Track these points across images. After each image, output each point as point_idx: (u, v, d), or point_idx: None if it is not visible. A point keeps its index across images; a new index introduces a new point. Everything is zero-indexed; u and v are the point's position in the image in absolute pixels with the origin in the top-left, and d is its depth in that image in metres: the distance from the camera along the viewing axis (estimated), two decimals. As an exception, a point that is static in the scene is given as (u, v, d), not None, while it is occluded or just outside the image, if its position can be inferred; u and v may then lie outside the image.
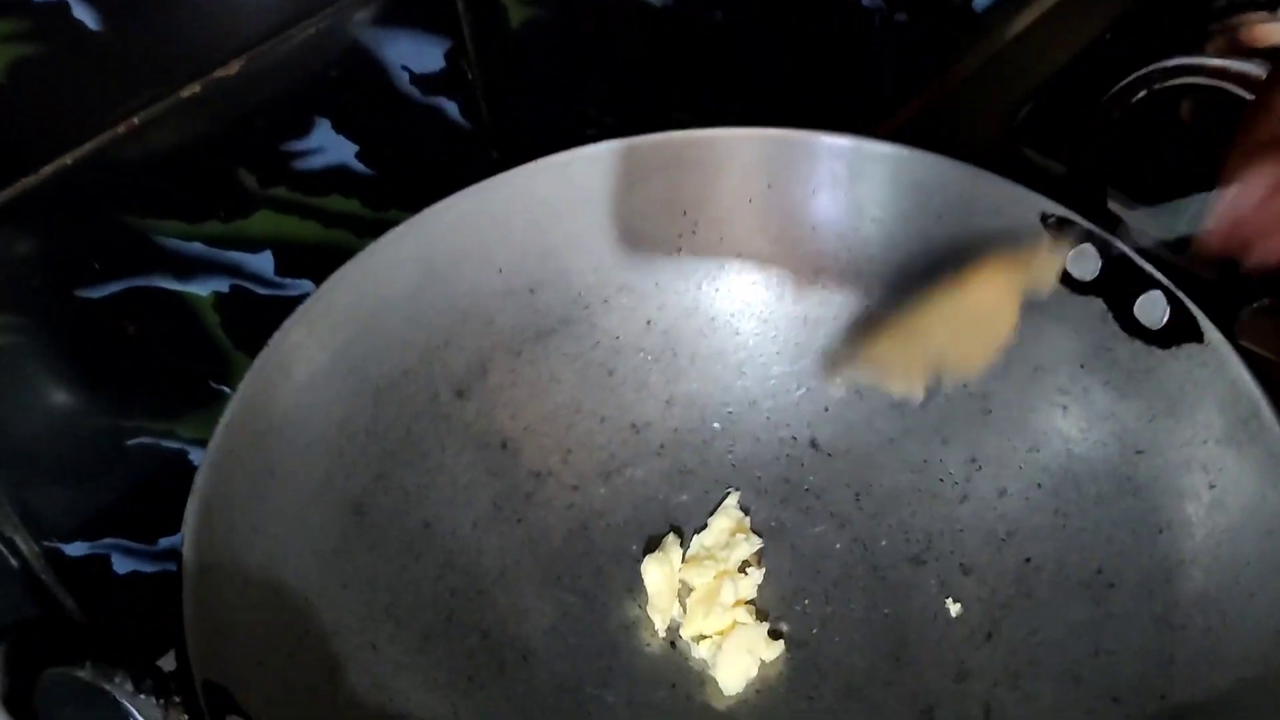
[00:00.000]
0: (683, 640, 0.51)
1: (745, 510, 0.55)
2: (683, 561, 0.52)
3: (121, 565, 0.56)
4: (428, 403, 0.53)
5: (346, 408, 0.50)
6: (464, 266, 0.54)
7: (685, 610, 0.51)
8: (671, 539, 0.53)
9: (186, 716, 0.38)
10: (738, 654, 0.48)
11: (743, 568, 0.52)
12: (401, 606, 0.49)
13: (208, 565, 0.41)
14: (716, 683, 0.49)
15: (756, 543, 0.52)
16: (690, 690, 0.49)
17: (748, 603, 0.51)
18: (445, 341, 0.53)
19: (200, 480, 0.43)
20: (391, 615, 0.48)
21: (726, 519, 0.54)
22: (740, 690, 0.49)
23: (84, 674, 0.37)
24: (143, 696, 0.38)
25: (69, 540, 0.53)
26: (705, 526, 0.54)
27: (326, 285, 0.50)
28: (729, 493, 0.54)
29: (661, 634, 0.51)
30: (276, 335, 0.48)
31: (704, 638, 0.50)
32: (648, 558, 0.52)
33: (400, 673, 0.47)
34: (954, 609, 0.50)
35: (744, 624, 0.49)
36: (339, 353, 0.50)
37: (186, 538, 0.42)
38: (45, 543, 0.52)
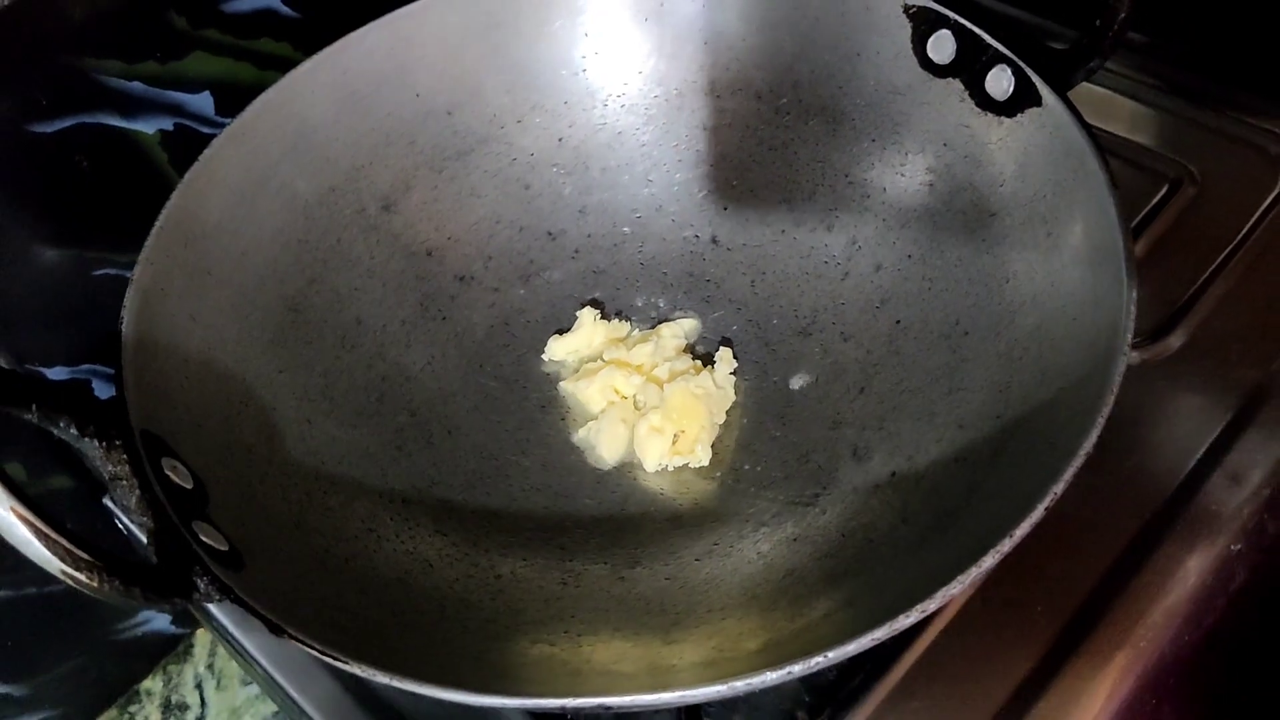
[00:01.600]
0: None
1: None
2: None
3: (102, 391, 0.62)
4: (356, 215, 0.58)
5: (279, 220, 0.56)
6: (383, 91, 0.59)
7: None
8: (587, 312, 0.58)
9: (125, 457, 0.44)
10: (612, 427, 0.54)
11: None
12: (336, 389, 0.55)
13: (147, 343, 0.47)
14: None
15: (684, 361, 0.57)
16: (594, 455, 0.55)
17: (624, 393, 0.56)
18: (370, 161, 0.59)
19: (138, 273, 0.49)
20: (327, 396, 0.54)
21: (676, 339, 0.58)
22: (619, 458, 0.54)
23: (31, 417, 0.43)
24: (86, 439, 0.44)
25: (50, 365, 0.60)
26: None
27: (250, 109, 0.55)
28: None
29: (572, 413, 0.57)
30: (206, 153, 0.54)
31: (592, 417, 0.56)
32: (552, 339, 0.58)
33: (334, 444, 0.53)
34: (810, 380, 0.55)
35: (615, 403, 0.55)
36: (267, 171, 0.56)
37: (127, 318, 0.47)
38: (27, 365, 0.58)
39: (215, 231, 0.53)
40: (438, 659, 0.43)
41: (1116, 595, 0.50)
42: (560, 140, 0.62)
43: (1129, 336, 0.43)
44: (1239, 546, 0.52)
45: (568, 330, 0.58)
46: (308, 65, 0.57)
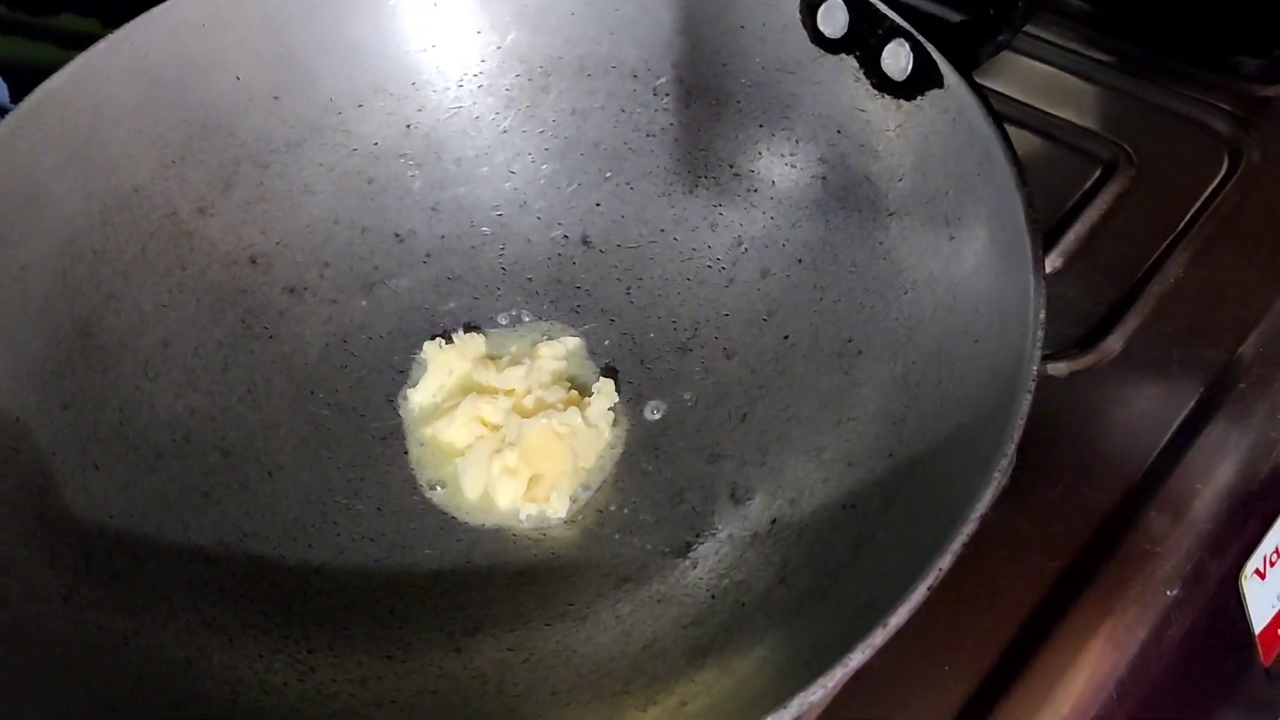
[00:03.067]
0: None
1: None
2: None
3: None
4: (165, 220, 0.50)
5: (70, 228, 0.48)
6: (194, 75, 0.51)
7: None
8: (431, 347, 0.51)
9: None
10: (479, 463, 0.46)
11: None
12: (133, 426, 0.47)
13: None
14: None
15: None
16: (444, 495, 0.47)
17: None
18: (181, 156, 0.51)
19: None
20: (120, 435, 0.46)
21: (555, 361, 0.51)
22: (479, 496, 0.46)
23: None
24: None
25: None
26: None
27: (30, 100, 0.47)
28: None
29: (421, 443, 0.49)
30: (-27, 154, 0.45)
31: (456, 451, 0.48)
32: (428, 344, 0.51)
33: (125, 492, 0.45)
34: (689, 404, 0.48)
35: (484, 437, 0.47)
36: (55, 171, 0.48)
37: None
38: None
39: (-16, 247, 0.45)
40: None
41: (1033, 649, 0.43)
42: (408, 127, 0.53)
43: (1034, 367, 0.36)
44: (1175, 592, 0.45)
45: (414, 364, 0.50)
46: (102, 46, 0.48)
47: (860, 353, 0.45)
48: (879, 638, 0.31)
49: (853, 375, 0.44)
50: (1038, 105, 0.61)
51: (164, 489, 0.46)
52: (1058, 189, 0.58)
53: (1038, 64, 0.62)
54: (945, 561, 0.32)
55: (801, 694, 0.30)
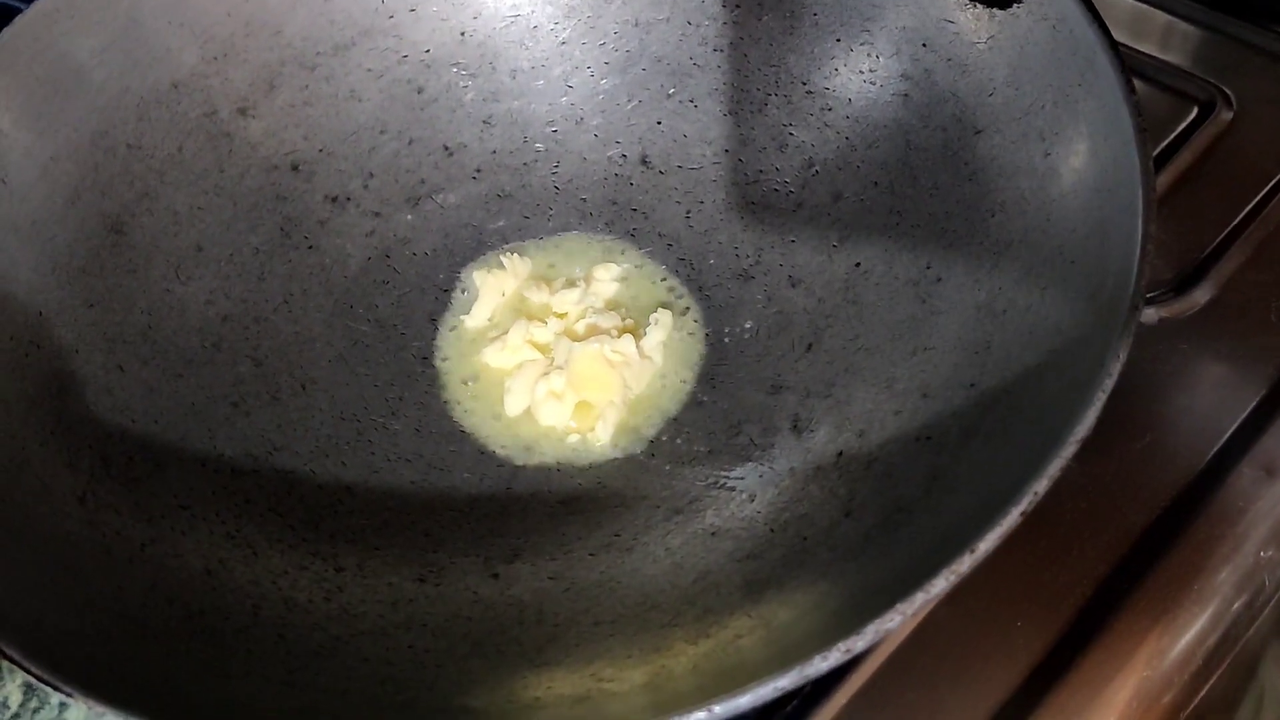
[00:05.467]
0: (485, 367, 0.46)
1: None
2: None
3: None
4: (204, 119, 0.47)
5: (102, 121, 0.45)
6: (240, -33, 0.47)
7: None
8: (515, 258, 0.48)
9: None
10: (524, 385, 0.43)
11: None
12: (162, 331, 0.44)
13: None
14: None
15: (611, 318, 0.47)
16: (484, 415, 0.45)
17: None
18: (224, 52, 0.48)
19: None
20: (148, 338, 0.44)
21: (611, 283, 0.47)
22: (521, 410, 0.43)
23: None
24: None
25: None
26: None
27: (68, -21, 0.44)
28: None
29: (467, 368, 0.46)
30: (5, 32, 0.42)
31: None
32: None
33: (150, 397, 0.42)
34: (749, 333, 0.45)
35: (531, 360, 0.44)
36: (89, 60, 0.45)
37: None
38: None
39: (13, 129, 0.42)
40: (228, 689, 0.32)
41: (1115, 610, 0.40)
42: (463, 34, 0.50)
43: (1142, 287, 0.32)
44: (1270, 553, 0.41)
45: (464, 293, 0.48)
46: (144, -73, 0.45)
47: (940, 280, 0.41)
48: (965, 564, 0.28)
49: (930, 303, 0.41)
50: (1127, 43, 0.57)
51: (191, 396, 0.43)
52: (1150, 130, 0.54)
53: (1141, 4, 0.58)
54: (1041, 485, 0.29)
55: (877, 621, 0.27)
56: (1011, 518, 0.28)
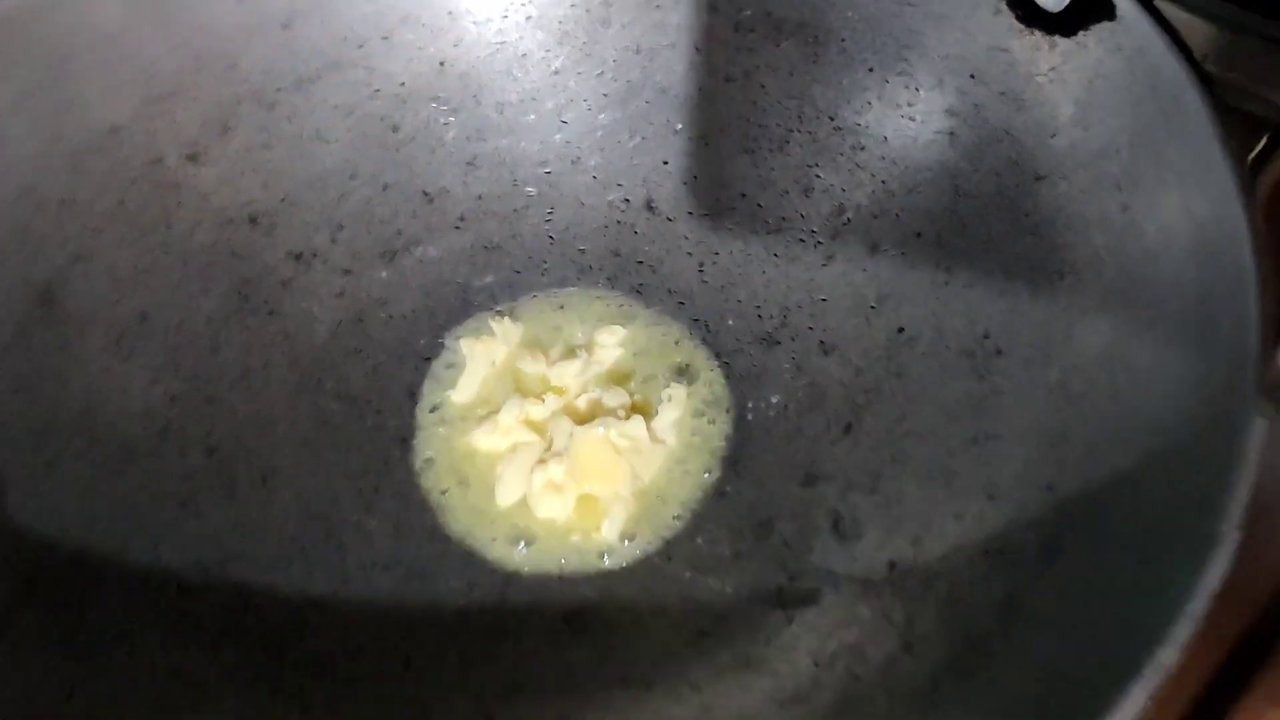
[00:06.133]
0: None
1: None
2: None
3: None
4: (149, 167, 0.41)
5: (32, 174, 0.39)
6: (188, -7, 0.41)
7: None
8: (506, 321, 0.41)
9: None
10: (517, 473, 0.37)
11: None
12: (99, 417, 0.38)
13: None
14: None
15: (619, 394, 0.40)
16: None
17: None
18: (171, 91, 0.42)
19: None
20: (83, 425, 0.37)
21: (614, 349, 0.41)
22: (514, 501, 0.37)
23: None
24: None
25: None
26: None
27: (-15, 14, 0.37)
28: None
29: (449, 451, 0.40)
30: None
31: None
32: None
33: (85, 496, 0.36)
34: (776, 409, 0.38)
35: (526, 442, 0.38)
36: (13, 105, 0.38)
37: None
38: None
39: (-80, 190, 0.36)
40: None
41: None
42: (441, 64, 0.44)
43: (1268, 379, 0.26)
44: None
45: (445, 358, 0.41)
46: (75, -48, 0.39)
47: (1000, 352, 0.35)
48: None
49: (990, 380, 0.35)
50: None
51: (132, 496, 0.37)
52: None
53: (1197, 19, 0.52)
54: (1168, 656, 0.23)
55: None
56: (1135, 701, 0.22)
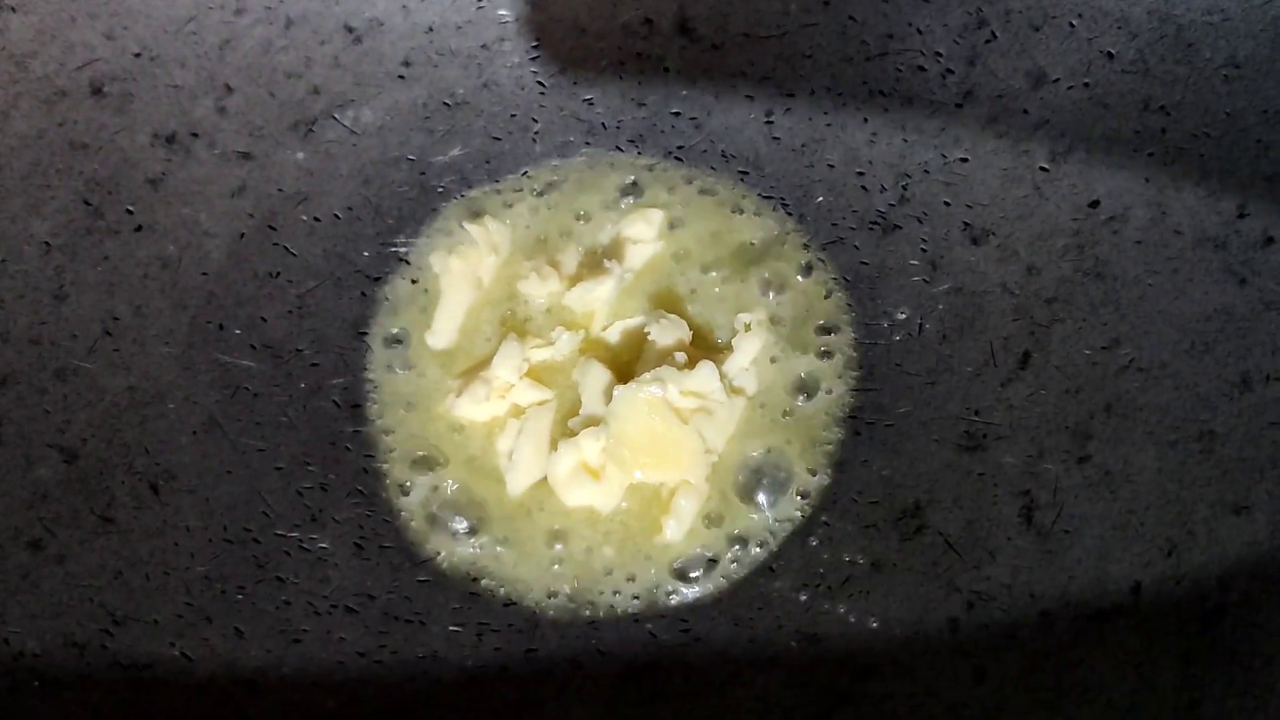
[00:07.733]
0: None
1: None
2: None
3: None
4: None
5: None
6: None
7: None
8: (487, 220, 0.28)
9: None
10: (530, 445, 0.24)
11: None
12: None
13: None
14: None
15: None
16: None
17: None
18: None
19: None
20: None
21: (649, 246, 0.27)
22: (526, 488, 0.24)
23: None
24: None
25: None
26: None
27: None
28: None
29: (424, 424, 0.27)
30: None
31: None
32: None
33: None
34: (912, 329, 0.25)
35: (539, 402, 0.24)
36: None
37: None
38: None
39: None
40: None
41: None
42: None
43: None
44: None
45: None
46: None
47: (1271, 240, 0.22)
48: None
49: (1256, 284, 0.21)
50: None
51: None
52: None
53: None
54: None
55: None
56: None
